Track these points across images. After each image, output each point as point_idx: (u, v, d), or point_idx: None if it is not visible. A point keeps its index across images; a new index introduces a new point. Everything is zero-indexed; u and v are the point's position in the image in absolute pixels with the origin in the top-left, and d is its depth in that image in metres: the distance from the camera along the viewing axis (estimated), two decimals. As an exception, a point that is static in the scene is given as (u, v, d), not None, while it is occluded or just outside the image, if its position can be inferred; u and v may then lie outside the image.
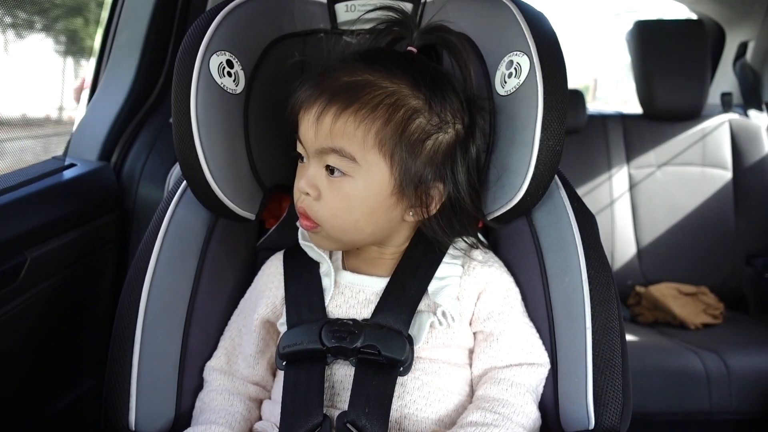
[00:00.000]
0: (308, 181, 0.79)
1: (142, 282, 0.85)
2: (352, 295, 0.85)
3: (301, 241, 0.89)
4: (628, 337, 0.87)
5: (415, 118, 0.78)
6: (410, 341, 0.80)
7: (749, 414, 1.69)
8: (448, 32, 0.87)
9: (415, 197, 0.80)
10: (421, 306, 0.83)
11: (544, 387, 0.85)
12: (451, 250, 0.87)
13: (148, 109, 1.46)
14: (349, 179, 0.78)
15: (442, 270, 0.85)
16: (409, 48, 0.87)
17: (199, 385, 0.89)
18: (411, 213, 0.83)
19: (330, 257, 0.88)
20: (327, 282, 0.86)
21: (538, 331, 0.86)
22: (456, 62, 0.88)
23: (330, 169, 0.79)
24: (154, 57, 1.46)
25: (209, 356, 0.90)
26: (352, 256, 0.89)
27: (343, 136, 0.76)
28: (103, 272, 1.28)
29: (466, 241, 0.88)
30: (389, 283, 0.84)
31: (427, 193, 0.81)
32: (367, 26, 0.92)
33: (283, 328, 0.85)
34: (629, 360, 0.83)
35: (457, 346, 0.84)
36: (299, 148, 0.83)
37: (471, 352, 0.86)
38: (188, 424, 0.85)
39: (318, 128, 0.77)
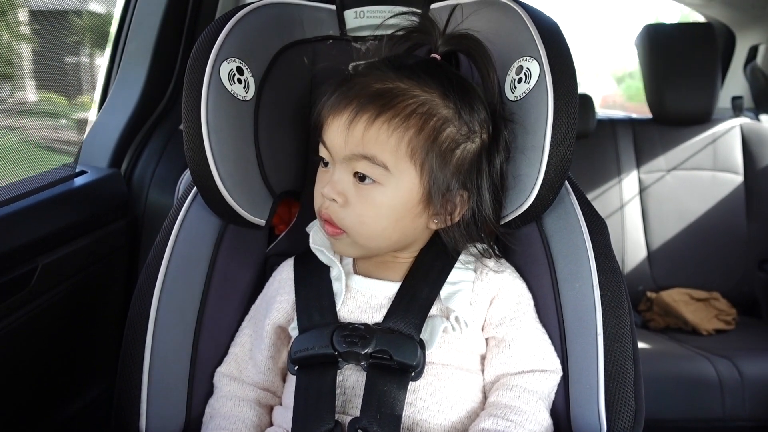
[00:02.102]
0: (334, 187, 0.79)
1: (153, 288, 0.85)
2: (364, 299, 0.84)
3: (312, 245, 0.89)
4: (640, 344, 0.86)
5: (446, 128, 0.78)
6: (422, 346, 0.79)
7: (763, 421, 1.66)
8: (472, 40, 0.87)
9: (441, 205, 0.80)
10: (434, 311, 0.83)
11: (556, 393, 0.84)
12: (463, 256, 0.87)
13: (158, 116, 1.47)
14: (378, 187, 0.78)
15: (455, 275, 0.85)
16: (433, 55, 0.87)
17: (210, 391, 0.89)
18: (435, 220, 0.83)
19: (341, 261, 0.88)
20: (338, 286, 0.86)
21: (549, 337, 0.86)
22: (478, 70, 0.88)
23: (359, 176, 0.78)
24: (163, 64, 1.47)
25: (219, 362, 0.90)
26: (363, 261, 0.89)
27: (376, 144, 0.76)
28: (113, 278, 1.28)
29: (477, 248, 0.88)
30: (401, 287, 0.84)
31: (452, 201, 0.81)
32: (388, 32, 0.91)
33: (294, 332, 0.85)
34: (641, 366, 0.82)
35: (470, 351, 0.84)
36: (322, 152, 0.82)
37: (483, 358, 0.86)
38: (198, 430, 0.85)
39: (349, 134, 0.77)
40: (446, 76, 0.80)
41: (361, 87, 0.78)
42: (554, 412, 0.84)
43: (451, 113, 0.79)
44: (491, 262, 0.87)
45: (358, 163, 0.77)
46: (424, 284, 0.83)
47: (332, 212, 0.80)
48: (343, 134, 0.77)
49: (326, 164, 0.82)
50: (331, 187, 0.79)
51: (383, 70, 0.80)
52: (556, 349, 0.85)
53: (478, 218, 0.83)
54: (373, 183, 0.78)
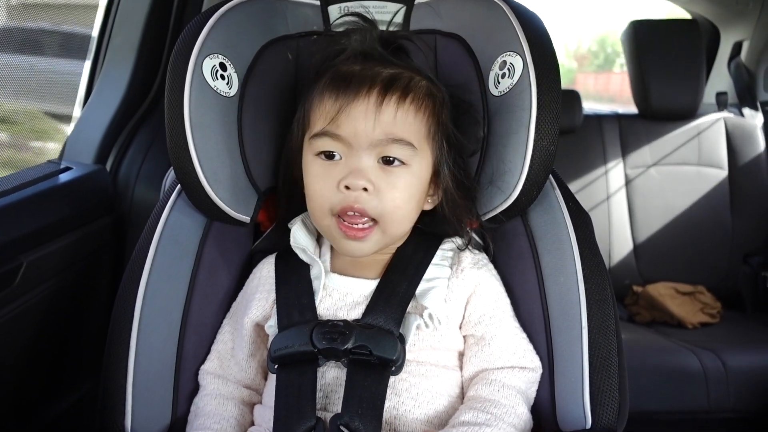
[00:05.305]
0: (363, 175, 0.77)
1: (137, 286, 0.85)
2: (340, 297, 0.84)
3: (293, 245, 0.88)
4: (626, 337, 0.87)
5: (444, 108, 0.83)
6: (401, 340, 0.80)
7: (747, 412, 1.69)
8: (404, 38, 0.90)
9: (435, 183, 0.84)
10: (408, 308, 0.82)
11: (541, 386, 0.85)
12: (440, 252, 0.87)
13: (144, 112, 1.46)
14: (406, 168, 0.79)
15: (430, 272, 0.85)
16: None
17: (195, 389, 0.88)
18: (429, 200, 0.86)
19: (321, 259, 0.88)
20: (317, 284, 0.85)
21: (534, 331, 0.86)
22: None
23: (386, 160, 0.78)
24: (149, 60, 1.46)
25: (204, 359, 0.89)
26: (338, 259, 0.88)
27: (404, 125, 0.78)
28: (99, 276, 1.28)
29: (456, 242, 0.88)
30: (380, 282, 0.84)
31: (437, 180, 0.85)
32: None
33: (271, 330, 0.84)
34: (627, 359, 0.83)
35: (446, 348, 0.84)
36: (328, 146, 0.79)
37: (461, 354, 0.86)
38: (184, 429, 0.85)
39: (378, 118, 0.77)
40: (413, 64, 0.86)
41: (373, 73, 0.79)
42: (539, 405, 0.84)
43: (442, 95, 0.84)
44: (469, 257, 0.88)
45: (388, 146, 0.78)
46: (403, 279, 0.84)
47: (364, 202, 0.77)
48: (371, 119, 0.77)
49: (330, 157, 0.80)
50: (359, 176, 0.76)
51: (377, 57, 0.83)
52: (540, 343, 0.85)
53: (458, 186, 0.85)
54: (402, 165, 0.79)
